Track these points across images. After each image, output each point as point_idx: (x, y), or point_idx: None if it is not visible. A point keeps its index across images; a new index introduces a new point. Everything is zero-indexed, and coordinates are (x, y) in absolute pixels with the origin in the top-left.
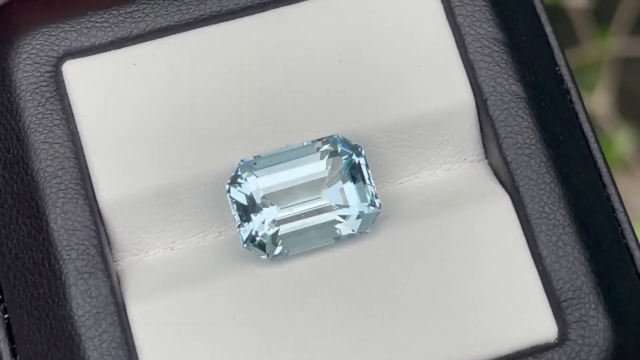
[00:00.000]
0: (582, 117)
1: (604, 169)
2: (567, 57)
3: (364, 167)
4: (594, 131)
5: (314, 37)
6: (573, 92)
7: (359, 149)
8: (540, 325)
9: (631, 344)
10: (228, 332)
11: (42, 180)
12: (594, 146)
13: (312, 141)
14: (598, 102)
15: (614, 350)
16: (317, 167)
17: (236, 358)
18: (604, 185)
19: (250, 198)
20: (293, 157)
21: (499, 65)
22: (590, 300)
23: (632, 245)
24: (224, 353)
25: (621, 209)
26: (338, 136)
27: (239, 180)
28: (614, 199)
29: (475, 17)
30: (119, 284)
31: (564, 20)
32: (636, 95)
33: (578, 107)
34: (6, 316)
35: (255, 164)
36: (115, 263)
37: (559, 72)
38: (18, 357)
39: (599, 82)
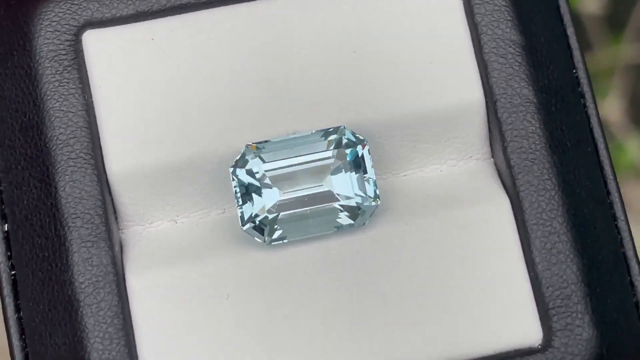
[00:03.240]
0: (593, 121)
1: (610, 176)
2: None
3: (367, 161)
4: (604, 136)
5: (331, 26)
6: (588, 95)
7: (364, 142)
8: (526, 330)
9: (615, 354)
10: (220, 310)
11: (54, 147)
12: (602, 152)
13: (319, 130)
14: (610, 108)
15: None
16: (322, 155)
17: (225, 336)
18: (608, 193)
19: (253, 180)
20: (299, 144)
21: (512, 67)
22: (577, 309)
23: (630, 254)
24: (215, 330)
25: (623, 218)
26: (345, 127)
27: (243, 162)
28: (617, 207)
29: (494, 17)
30: (122, 253)
31: (577, 26)
32: None
33: (591, 112)
34: (13, 272)
35: (261, 148)
36: (120, 231)
37: (575, 74)
38: (21, 313)
39: (612, 88)
